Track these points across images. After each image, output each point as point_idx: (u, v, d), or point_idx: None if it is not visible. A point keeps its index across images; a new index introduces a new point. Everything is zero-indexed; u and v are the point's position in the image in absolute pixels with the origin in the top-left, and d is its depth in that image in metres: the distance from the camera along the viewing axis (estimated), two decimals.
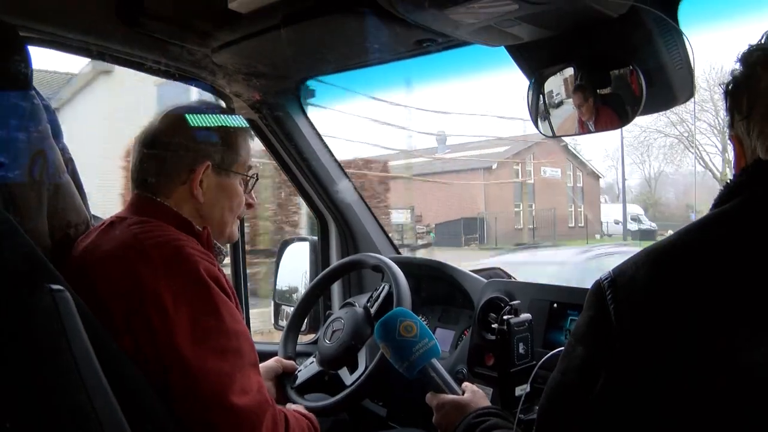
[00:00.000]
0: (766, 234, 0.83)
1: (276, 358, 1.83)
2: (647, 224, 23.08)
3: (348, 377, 1.72)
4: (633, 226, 23.33)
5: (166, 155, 1.37)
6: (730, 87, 0.95)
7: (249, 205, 1.50)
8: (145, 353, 1.16)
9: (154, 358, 1.16)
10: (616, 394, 0.86)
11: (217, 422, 1.18)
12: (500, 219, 23.44)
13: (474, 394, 1.36)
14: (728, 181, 0.92)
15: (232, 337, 1.23)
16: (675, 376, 0.80)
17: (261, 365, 1.71)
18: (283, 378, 1.78)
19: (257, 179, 1.50)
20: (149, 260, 1.19)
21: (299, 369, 1.82)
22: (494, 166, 24.68)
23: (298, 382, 1.77)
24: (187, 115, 1.42)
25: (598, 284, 0.91)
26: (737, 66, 0.94)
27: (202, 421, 1.17)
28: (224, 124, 1.43)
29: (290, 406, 1.64)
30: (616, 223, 24.18)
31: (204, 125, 1.41)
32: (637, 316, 0.86)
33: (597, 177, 28.44)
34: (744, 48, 0.94)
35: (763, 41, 0.93)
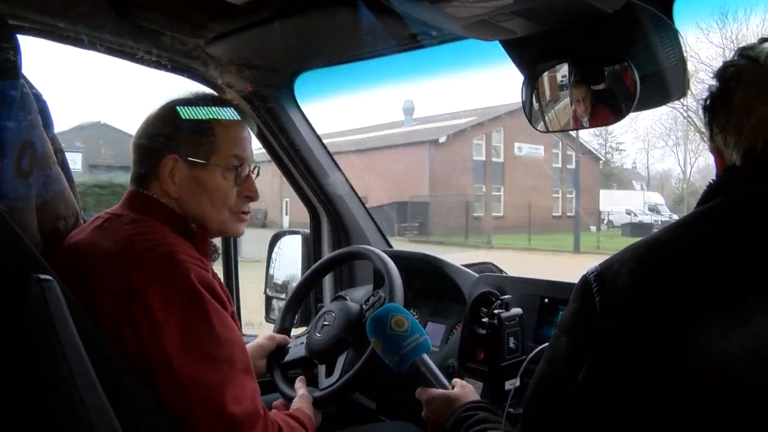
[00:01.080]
0: (743, 231, 0.87)
1: (270, 334, 1.83)
2: (667, 215, 21.73)
3: (323, 380, 1.74)
4: (647, 218, 21.44)
5: (143, 150, 1.36)
6: (708, 102, 0.99)
7: (248, 198, 1.44)
8: (132, 357, 1.15)
9: (141, 363, 1.15)
10: (600, 383, 0.89)
11: None
12: (454, 204, 20.39)
13: (464, 389, 1.37)
14: (711, 181, 0.96)
15: (224, 346, 1.21)
16: (656, 366, 0.84)
17: (252, 343, 1.72)
18: (274, 352, 1.79)
19: (253, 170, 1.44)
20: (141, 264, 1.18)
21: (290, 344, 1.83)
22: (442, 140, 21.17)
23: (286, 359, 1.78)
24: (162, 108, 1.39)
25: (584, 278, 0.95)
26: (714, 82, 0.98)
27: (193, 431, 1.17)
28: (199, 116, 1.38)
29: (280, 399, 1.64)
30: (628, 213, 22.69)
31: (173, 117, 1.36)
32: (622, 308, 0.89)
33: (597, 159, 26.49)
34: (719, 65, 0.98)
35: (735, 58, 0.96)
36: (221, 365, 1.20)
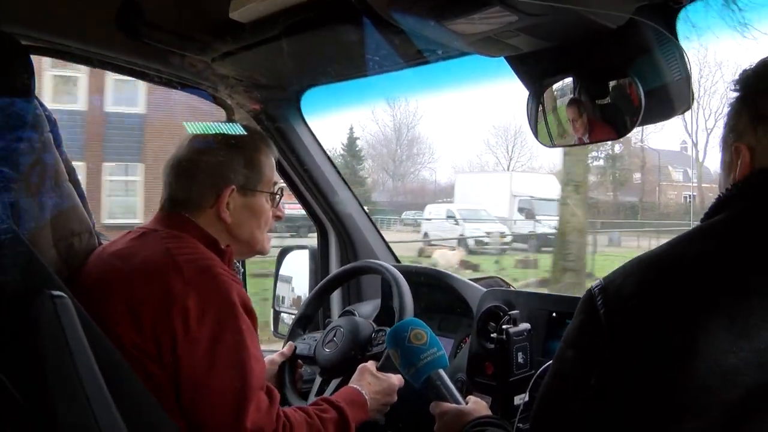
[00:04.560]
0: (750, 247, 0.87)
1: (280, 352, 1.84)
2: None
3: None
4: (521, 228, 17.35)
5: (193, 179, 1.41)
6: (743, 92, 0.97)
7: (277, 218, 1.54)
8: (165, 362, 1.20)
9: (172, 366, 1.20)
10: (606, 395, 0.89)
11: None
12: None
13: (477, 405, 1.37)
14: (721, 194, 0.95)
15: (252, 361, 1.26)
16: (661, 379, 0.84)
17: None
18: (284, 376, 1.79)
19: (282, 194, 1.55)
20: (181, 273, 1.24)
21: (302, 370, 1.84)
22: None
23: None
24: (211, 139, 1.48)
25: (589, 291, 0.95)
26: (748, 73, 0.97)
27: None
28: (246, 146, 1.47)
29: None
30: (521, 211, 18.12)
31: (227, 149, 1.45)
32: (626, 320, 0.89)
33: None
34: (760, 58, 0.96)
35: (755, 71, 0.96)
36: (246, 377, 1.24)
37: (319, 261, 2.49)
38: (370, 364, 1.63)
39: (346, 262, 2.39)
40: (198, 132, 1.50)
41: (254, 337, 1.30)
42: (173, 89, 1.91)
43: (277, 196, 1.53)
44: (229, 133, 1.52)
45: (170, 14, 1.55)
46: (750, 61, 0.98)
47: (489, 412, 1.37)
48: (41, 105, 1.25)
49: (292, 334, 1.93)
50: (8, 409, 0.89)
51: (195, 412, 1.20)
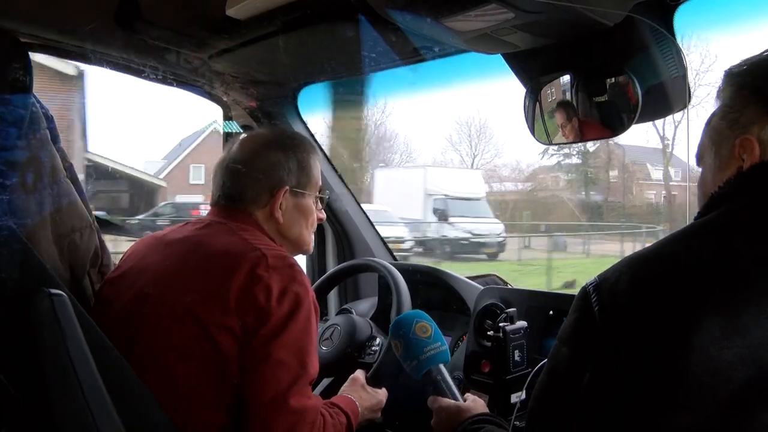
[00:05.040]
0: (743, 244, 0.87)
1: None
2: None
3: None
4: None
5: (247, 180, 1.46)
6: (747, 79, 0.95)
7: (320, 220, 1.60)
8: (244, 337, 1.24)
9: (248, 338, 1.24)
10: (601, 393, 0.89)
11: (274, 417, 1.24)
12: None
13: (475, 402, 1.38)
14: (713, 192, 0.94)
15: (312, 347, 1.32)
16: (655, 375, 0.84)
17: None
18: None
19: (328, 197, 1.63)
20: (265, 259, 1.30)
21: None
22: None
23: None
24: (267, 141, 1.51)
25: (584, 289, 0.95)
26: (750, 65, 0.96)
27: (260, 414, 1.24)
28: (298, 149, 1.51)
29: None
30: (435, 212, 15.70)
31: (281, 151, 1.48)
32: (620, 318, 0.89)
33: None
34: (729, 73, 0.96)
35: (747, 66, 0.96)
36: (304, 359, 1.29)
37: (315, 258, 2.49)
38: (361, 375, 1.65)
39: (343, 260, 2.39)
40: (251, 133, 1.55)
41: (315, 335, 1.35)
42: (169, 86, 1.90)
43: (323, 198, 1.60)
44: (282, 135, 1.56)
45: (167, 11, 1.55)
46: (742, 55, 0.98)
47: (486, 410, 1.37)
48: (38, 102, 1.25)
49: None
50: (6, 406, 0.89)
51: (250, 382, 1.24)
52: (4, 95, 1.13)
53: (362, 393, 1.60)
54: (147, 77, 1.81)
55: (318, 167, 1.56)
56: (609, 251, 14.01)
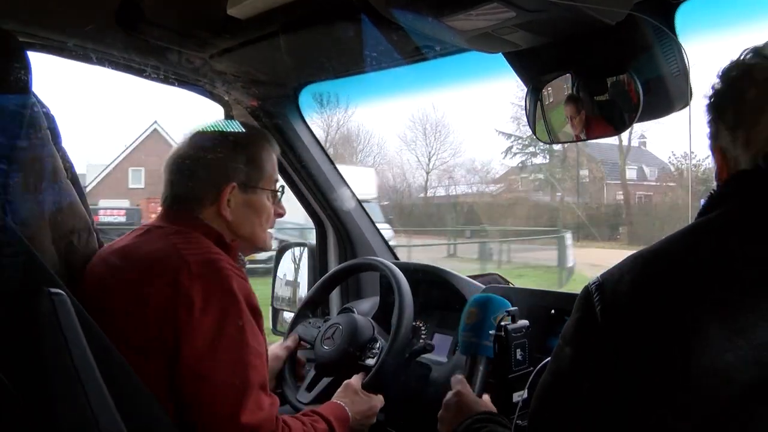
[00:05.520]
0: (746, 243, 0.87)
1: (284, 345, 1.85)
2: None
3: (305, 395, 1.75)
4: None
5: (194, 176, 1.42)
6: (713, 100, 0.98)
7: (279, 215, 1.54)
8: (168, 355, 1.20)
9: (174, 358, 1.20)
10: (604, 393, 0.89)
11: None
12: None
13: (488, 403, 1.40)
14: (713, 191, 0.94)
15: (252, 355, 1.26)
16: (657, 375, 0.84)
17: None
18: (285, 387, 1.79)
19: (284, 191, 1.55)
20: (187, 267, 1.25)
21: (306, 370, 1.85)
22: None
23: (309, 397, 1.78)
24: (212, 135, 1.48)
25: (586, 288, 0.95)
26: (718, 81, 0.97)
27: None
28: (247, 143, 1.47)
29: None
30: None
31: (228, 145, 1.45)
32: (623, 317, 0.89)
33: None
34: (726, 63, 0.97)
35: (747, 56, 0.96)
36: (246, 372, 1.24)
37: (317, 258, 2.50)
38: (355, 381, 1.64)
39: (345, 260, 2.39)
40: (199, 129, 1.49)
41: (257, 334, 1.30)
42: (170, 86, 1.90)
43: (279, 193, 1.53)
44: (230, 130, 1.52)
45: (168, 11, 1.55)
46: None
47: (494, 408, 1.38)
48: (39, 101, 1.25)
49: (300, 316, 1.96)
50: (7, 407, 0.89)
51: (192, 406, 1.20)
52: (4, 95, 1.13)
53: (354, 398, 1.58)
54: (148, 77, 1.81)
55: (273, 161, 1.51)
56: (541, 259, 13.50)
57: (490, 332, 1.44)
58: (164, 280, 1.23)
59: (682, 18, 1.29)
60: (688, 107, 1.39)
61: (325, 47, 1.71)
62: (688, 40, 1.31)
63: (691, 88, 1.36)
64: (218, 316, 1.23)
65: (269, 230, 1.54)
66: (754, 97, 0.92)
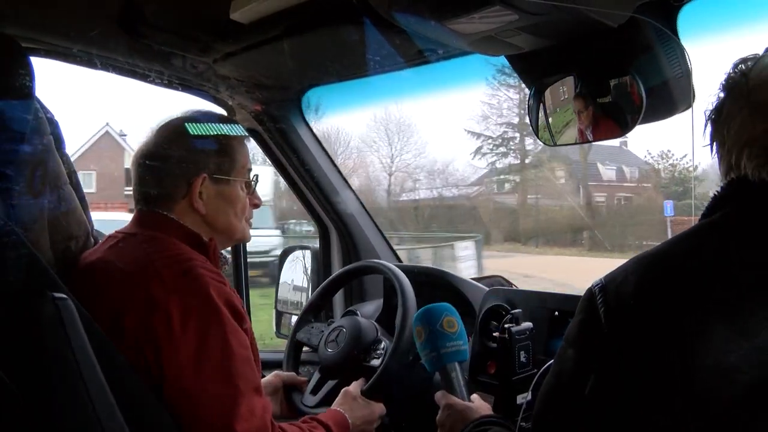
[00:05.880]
0: (743, 247, 0.87)
1: (275, 372, 1.82)
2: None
3: (310, 398, 1.74)
4: None
5: (162, 170, 1.37)
6: (713, 115, 0.98)
7: (255, 206, 1.51)
8: (150, 371, 1.17)
9: (157, 374, 1.17)
10: (607, 394, 0.89)
11: None
12: None
13: (481, 403, 1.39)
14: (715, 193, 0.94)
15: (238, 362, 1.23)
16: (660, 377, 0.84)
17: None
18: (291, 391, 1.79)
19: (258, 180, 1.51)
20: (161, 278, 1.21)
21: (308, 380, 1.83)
22: None
23: (315, 400, 1.78)
24: (178, 127, 1.42)
25: (589, 290, 0.95)
26: (717, 93, 0.97)
27: None
28: (216, 133, 1.44)
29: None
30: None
31: (196, 136, 1.41)
32: (626, 319, 0.89)
33: None
34: (722, 77, 0.97)
35: (732, 70, 0.96)
36: (234, 381, 1.21)
37: (321, 261, 2.50)
38: (354, 388, 1.63)
39: (348, 263, 2.39)
40: (164, 122, 1.45)
41: (242, 339, 1.26)
42: (174, 90, 1.91)
43: (253, 182, 1.50)
44: (198, 121, 1.46)
45: (171, 16, 1.55)
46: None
47: (492, 412, 1.38)
48: (42, 107, 1.25)
49: (302, 321, 1.96)
50: (12, 410, 0.90)
51: (184, 419, 1.17)
52: (8, 101, 1.13)
53: (353, 404, 1.58)
54: (152, 82, 1.81)
55: (244, 150, 1.48)
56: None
57: (451, 342, 1.43)
58: (137, 295, 1.19)
59: (684, 20, 1.28)
60: (690, 109, 1.39)
61: (329, 51, 1.71)
62: (691, 42, 1.31)
63: (693, 90, 1.36)
64: (199, 329, 1.19)
65: (250, 220, 1.51)
66: (728, 111, 0.93)
